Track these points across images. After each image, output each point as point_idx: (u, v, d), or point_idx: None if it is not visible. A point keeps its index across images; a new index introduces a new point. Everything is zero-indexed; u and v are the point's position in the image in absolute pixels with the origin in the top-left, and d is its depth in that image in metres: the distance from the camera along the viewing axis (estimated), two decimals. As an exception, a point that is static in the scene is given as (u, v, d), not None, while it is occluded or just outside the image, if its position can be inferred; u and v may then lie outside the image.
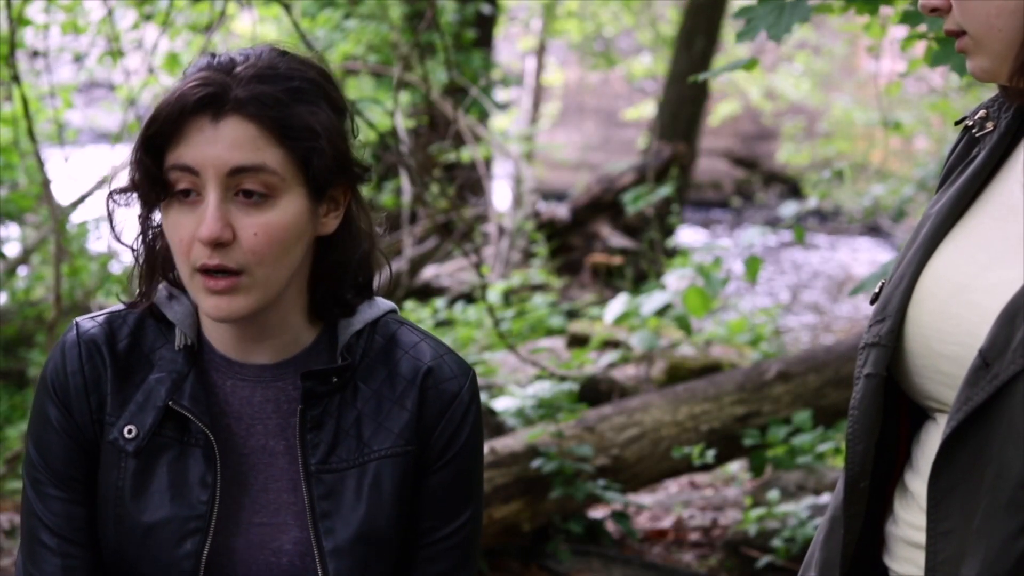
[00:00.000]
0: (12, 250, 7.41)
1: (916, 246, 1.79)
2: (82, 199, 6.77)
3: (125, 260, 6.60)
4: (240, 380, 1.99)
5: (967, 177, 1.79)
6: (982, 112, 1.83)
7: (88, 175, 6.82)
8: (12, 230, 7.63)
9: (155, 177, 1.87)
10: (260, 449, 1.98)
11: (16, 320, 6.77)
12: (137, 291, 2.00)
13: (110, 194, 1.96)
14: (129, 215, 1.98)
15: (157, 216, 1.97)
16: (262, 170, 1.86)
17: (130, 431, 1.96)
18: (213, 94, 1.86)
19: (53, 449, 1.99)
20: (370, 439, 1.97)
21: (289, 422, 1.98)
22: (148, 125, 1.87)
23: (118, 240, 1.98)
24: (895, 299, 1.77)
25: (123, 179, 1.94)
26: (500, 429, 5.58)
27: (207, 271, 1.88)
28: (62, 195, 6.53)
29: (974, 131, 1.83)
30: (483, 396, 5.89)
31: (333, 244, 1.97)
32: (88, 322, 2.01)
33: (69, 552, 1.99)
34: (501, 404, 5.64)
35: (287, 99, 1.88)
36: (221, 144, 1.85)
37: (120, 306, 2.04)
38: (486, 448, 5.05)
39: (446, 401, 2.00)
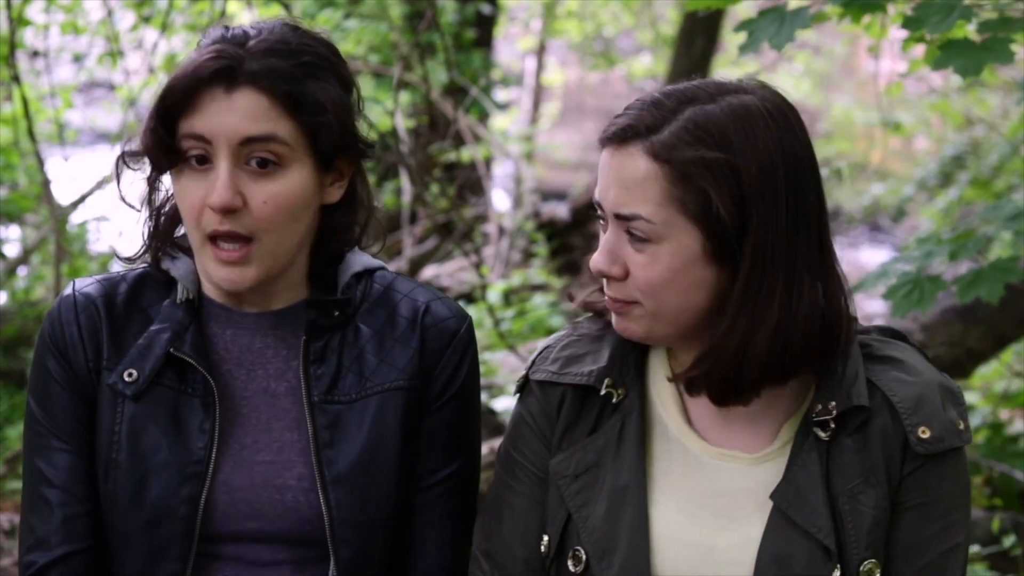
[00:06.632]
0: (12, 250, 7.40)
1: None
2: (82, 199, 6.76)
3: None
4: (240, 328, 2.03)
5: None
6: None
7: (88, 175, 6.82)
8: (12, 230, 7.62)
9: (167, 145, 1.92)
10: (262, 391, 2.02)
11: (16, 320, 6.76)
12: (143, 249, 2.05)
13: (121, 155, 2.00)
14: (136, 177, 2.03)
15: (166, 179, 2.01)
16: (272, 140, 1.91)
17: (130, 375, 2.00)
18: (227, 67, 1.90)
19: (55, 400, 2.03)
20: (372, 374, 2.01)
21: (290, 365, 2.02)
22: (163, 95, 1.91)
23: (124, 201, 2.03)
24: None
25: (136, 143, 1.99)
26: (500, 429, 5.56)
27: (217, 238, 1.92)
28: (62, 195, 6.52)
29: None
30: (483, 396, 5.88)
31: (336, 212, 2.03)
32: (84, 280, 2.06)
33: (70, 505, 2.00)
34: (501, 404, 5.63)
35: (299, 74, 1.93)
36: (234, 114, 1.90)
37: (117, 270, 2.08)
38: (486, 448, 5.03)
39: (447, 338, 2.06)
